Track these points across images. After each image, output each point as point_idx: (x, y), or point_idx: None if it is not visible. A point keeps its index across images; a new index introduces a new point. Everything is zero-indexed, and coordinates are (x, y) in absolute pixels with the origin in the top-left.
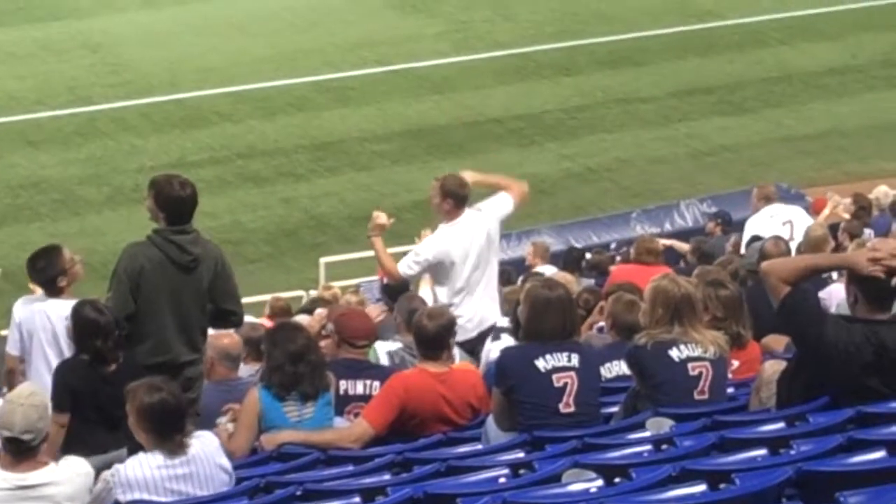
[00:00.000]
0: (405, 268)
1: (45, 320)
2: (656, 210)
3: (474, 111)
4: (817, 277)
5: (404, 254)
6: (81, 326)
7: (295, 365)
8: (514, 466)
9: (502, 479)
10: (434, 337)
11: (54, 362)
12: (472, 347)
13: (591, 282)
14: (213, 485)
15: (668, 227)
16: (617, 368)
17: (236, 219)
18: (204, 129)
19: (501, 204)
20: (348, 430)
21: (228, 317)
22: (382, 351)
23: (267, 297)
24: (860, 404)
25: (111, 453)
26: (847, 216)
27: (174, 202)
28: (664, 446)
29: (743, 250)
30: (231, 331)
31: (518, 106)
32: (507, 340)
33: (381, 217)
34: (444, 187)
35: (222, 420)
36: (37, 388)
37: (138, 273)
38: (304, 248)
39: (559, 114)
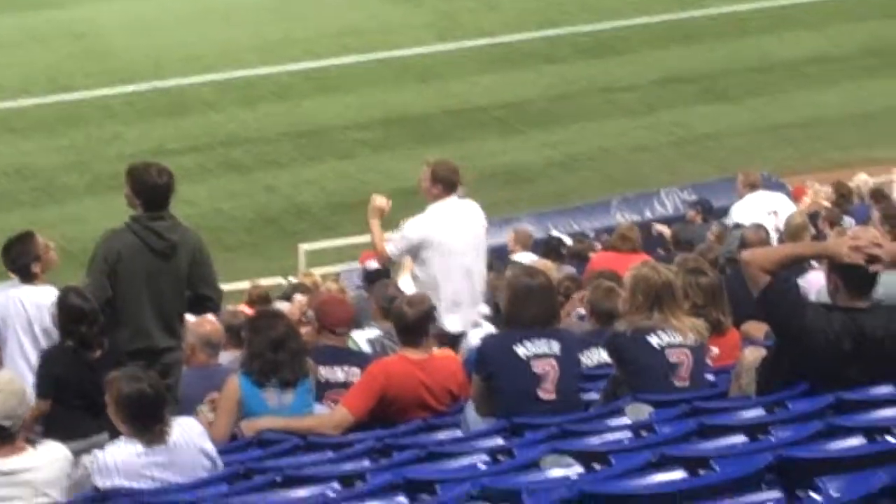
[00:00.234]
0: (391, 247)
1: (20, 307)
2: (636, 198)
3: (457, 99)
4: (797, 265)
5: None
6: (66, 313)
7: (275, 352)
8: (494, 452)
9: (482, 465)
10: (414, 324)
11: (29, 349)
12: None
13: (572, 269)
14: (194, 471)
15: (648, 214)
16: (597, 356)
17: (217, 206)
18: (186, 117)
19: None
20: (328, 416)
21: (206, 302)
22: (362, 339)
23: (246, 284)
24: (839, 391)
25: (92, 438)
26: (828, 204)
27: (151, 189)
28: (643, 433)
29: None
30: (212, 317)
31: (501, 94)
32: (488, 328)
33: (378, 199)
34: (434, 172)
35: (202, 408)
36: (15, 374)
37: (115, 259)
38: (285, 236)
39: (542, 102)
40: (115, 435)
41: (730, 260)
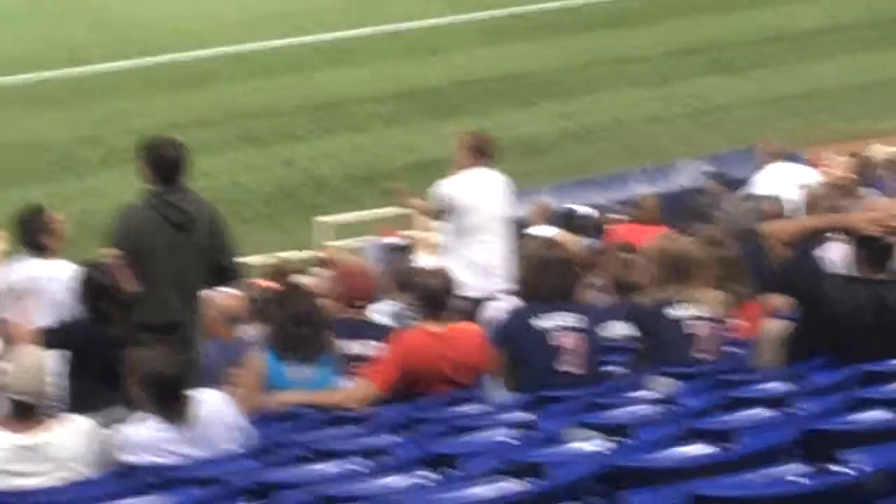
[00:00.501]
0: (432, 200)
1: (28, 281)
2: (654, 170)
3: (470, 72)
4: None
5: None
6: (88, 288)
7: (298, 327)
8: (518, 426)
9: (507, 439)
10: (435, 295)
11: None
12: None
13: (592, 241)
14: (221, 446)
15: (666, 186)
16: (617, 328)
17: (234, 179)
18: (201, 89)
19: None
20: (352, 390)
21: (225, 272)
22: (386, 312)
23: (264, 257)
24: (862, 363)
25: (113, 412)
26: (848, 175)
27: (165, 163)
28: (668, 405)
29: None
30: (234, 291)
31: (514, 66)
32: (508, 300)
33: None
34: (467, 140)
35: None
36: (30, 349)
37: (135, 234)
38: (302, 209)
39: (555, 73)
40: (134, 407)
41: (749, 231)
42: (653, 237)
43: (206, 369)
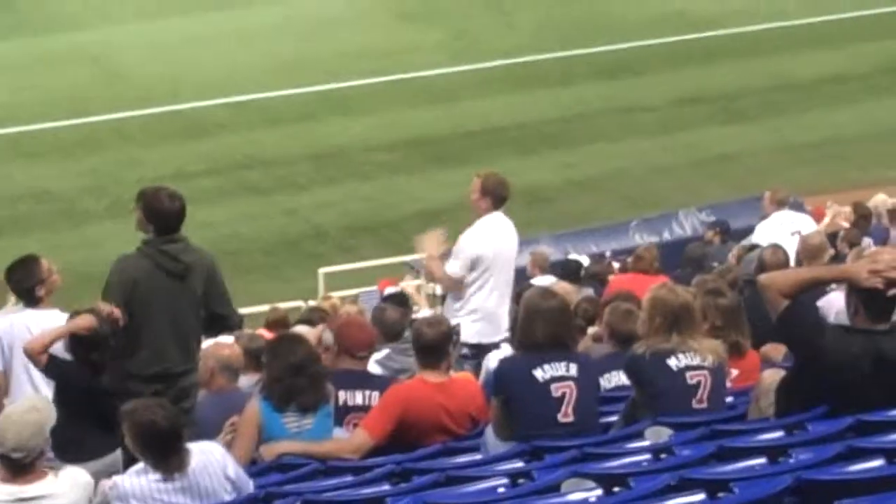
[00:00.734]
0: (453, 268)
1: (25, 331)
2: (655, 219)
3: (474, 120)
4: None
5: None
6: (76, 338)
7: (295, 376)
8: (513, 476)
9: (501, 489)
10: (434, 344)
11: (36, 374)
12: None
13: (591, 291)
14: (215, 497)
15: (666, 236)
16: (616, 378)
17: (235, 229)
18: (204, 139)
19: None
20: (347, 440)
21: (222, 322)
22: (371, 362)
23: (265, 307)
24: (859, 413)
25: (108, 458)
26: (847, 224)
27: (163, 214)
28: (663, 455)
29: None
30: (232, 341)
31: (518, 115)
32: (507, 350)
33: (431, 243)
34: (484, 185)
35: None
36: (38, 403)
37: (131, 284)
38: (304, 259)
39: (559, 123)
40: (126, 451)
41: (748, 282)
42: (652, 286)
43: (204, 419)
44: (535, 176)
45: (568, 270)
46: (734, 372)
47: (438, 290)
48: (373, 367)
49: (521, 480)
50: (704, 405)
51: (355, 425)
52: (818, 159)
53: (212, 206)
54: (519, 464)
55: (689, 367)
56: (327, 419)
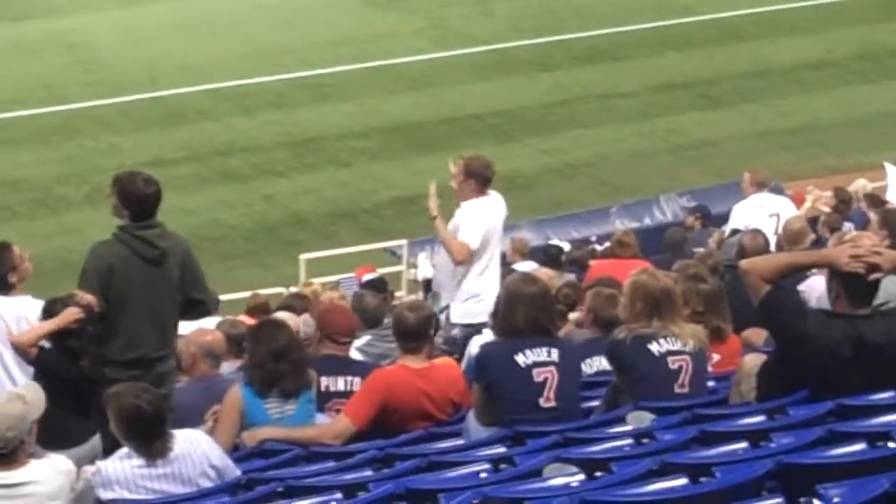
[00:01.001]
0: (471, 242)
1: None
2: (635, 205)
3: (452, 107)
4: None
5: (384, 250)
6: None
7: (277, 362)
8: (495, 461)
9: (483, 475)
10: (415, 329)
11: (9, 360)
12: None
13: (572, 277)
14: (197, 483)
15: (647, 221)
16: (598, 363)
17: (215, 216)
18: (182, 126)
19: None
20: (329, 426)
21: (199, 306)
22: (351, 349)
23: (246, 294)
24: (840, 397)
25: (87, 444)
26: (827, 209)
27: (139, 199)
28: (645, 440)
29: (727, 229)
30: (214, 328)
31: (496, 102)
32: (488, 335)
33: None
34: (467, 167)
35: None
36: (28, 394)
37: (108, 271)
38: (284, 245)
39: (538, 109)
40: (106, 436)
41: (729, 267)
42: (632, 272)
43: (186, 406)
44: (514, 162)
45: (549, 256)
46: (715, 357)
47: (419, 276)
48: (354, 354)
49: (503, 466)
50: (686, 390)
51: (337, 411)
52: (796, 145)
53: (191, 193)
54: (501, 449)
55: (670, 352)
56: (309, 405)
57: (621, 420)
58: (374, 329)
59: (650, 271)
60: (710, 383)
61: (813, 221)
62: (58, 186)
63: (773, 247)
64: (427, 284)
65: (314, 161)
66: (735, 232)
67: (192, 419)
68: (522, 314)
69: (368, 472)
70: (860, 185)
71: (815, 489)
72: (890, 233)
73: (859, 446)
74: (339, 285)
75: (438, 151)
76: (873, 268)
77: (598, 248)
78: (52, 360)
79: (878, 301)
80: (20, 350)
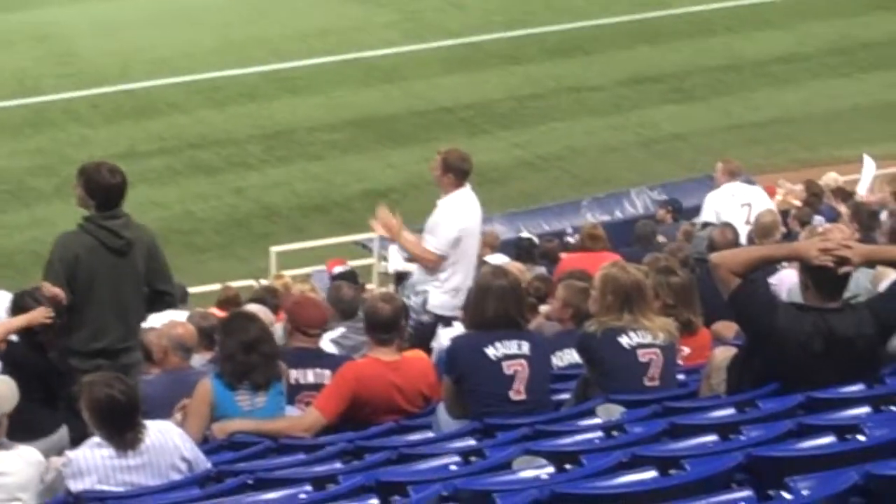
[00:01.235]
0: (436, 246)
1: None
2: (607, 198)
3: (424, 100)
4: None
5: (355, 243)
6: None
7: (247, 354)
8: (465, 454)
9: (453, 467)
10: (388, 320)
11: None
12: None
13: (542, 270)
14: (168, 475)
15: (618, 214)
16: (568, 356)
17: (187, 208)
18: (154, 119)
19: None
20: (300, 419)
21: (163, 297)
22: (326, 340)
23: (217, 286)
24: (810, 391)
25: (54, 436)
26: (798, 203)
27: (104, 189)
28: (615, 433)
29: (700, 219)
30: (185, 320)
31: (468, 95)
32: (458, 328)
33: (383, 219)
34: (446, 161)
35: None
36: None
37: (74, 261)
38: (256, 238)
39: (509, 102)
40: (73, 428)
41: (699, 260)
42: (603, 265)
43: (156, 398)
44: (485, 156)
45: (521, 249)
46: (685, 350)
47: (390, 269)
48: (329, 346)
49: (472, 458)
50: (656, 383)
51: (307, 404)
52: (767, 139)
53: (163, 185)
54: (471, 441)
55: (640, 345)
56: (280, 397)
57: (591, 413)
58: (348, 321)
59: (621, 264)
60: (681, 376)
61: (783, 215)
62: (29, 178)
63: (743, 236)
64: (398, 277)
65: (285, 154)
66: (706, 225)
67: (161, 411)
68: (492, 307)
69: (338, 465)
70: (831, 178)
71: (785, 482)
72: (860, 226)
73: (829, 439)
74: (310, 278)
75: (410, 144)
76: (843, 261)
77: (572, 241)
78: (20, 353)
79: (848, 294)
80: None
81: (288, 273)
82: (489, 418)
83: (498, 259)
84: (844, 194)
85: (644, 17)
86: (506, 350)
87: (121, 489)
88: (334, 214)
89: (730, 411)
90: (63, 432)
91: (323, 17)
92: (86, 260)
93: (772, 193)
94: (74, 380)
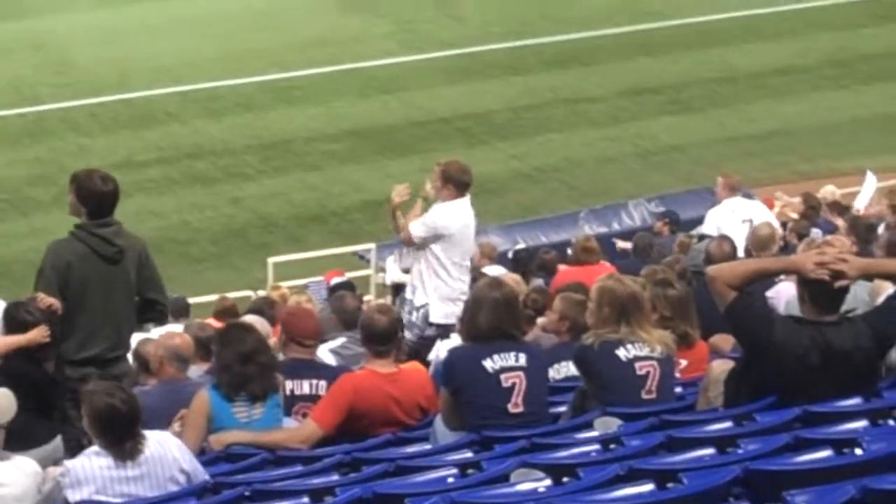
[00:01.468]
0: (416, 229)
1: None
2: (604, 210)
3: (422, 111)
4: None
5: (353, 254)
6: (15, 328)
7: (244, 365)
8: (463, 466)
9: (451, 479)
10: (384, 332)
11: None
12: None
13: (540, 282)
14: (166, 486)
15: (616, 226)
16: (566, 369)
17: (183, 218)
18: (152, 128)
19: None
20: (297, 430)
21: (154, 307)
22: (325, 350)
23: (214, 297)
24: (808, 404)
25: (50, 445)
26: (795, 216)
27: (96, 197)
28: (612, 446)
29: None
30: (182, 331)
31: (466, 106)
32: (456, 340)
33: (399, 192)
34: (445, 172)
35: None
36: None
37: (66, 268)
38: (253, 249)
39: (507, 113)
40: (67, 438)
41: (696, 272)
42: (599, 277)
43: (153, 408)
44: (483, 167)
45: (517, 261)
46: (683, 362)
47: (388, 280)
48: (328, 356)
49: (470, 471)
50: (653, 395)
51: (304, 415)
52: (765, 151)
53: (160, 195)
54: (468, 454)
55: (637, 358)
56: (276, 409)
57: (588, 425)
58: (350, 331)
59: (617, 277)
60: (678, 389)
61: (781, 227)
62: (27, 188)
63: (743, 251)
64: (395, 288)
65: (283, 164)
66: (703, 237)
67: (158, 422)
68: (486, 319)
69: (335, 477)
70: (828, 191)
71: (782, 496)
72: (858, 239)
73: (826, 453)
74: (306, 289)
75: (408, 155)
76: (839, 275)
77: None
78: (17, 366)
79: (846, 307)
80: None
81: (285, 284)
82: (487, 430)
83: (495, 270)
84: (840, 208)
85: (642, 28)
86: (503, 362)
87: (119, 500)
88: (332, 225)
89: (727, 424)
90: (58, 441)
91: (321, 28)
92: (78, 268)
93: (769, 206)
94: (67, 389)
